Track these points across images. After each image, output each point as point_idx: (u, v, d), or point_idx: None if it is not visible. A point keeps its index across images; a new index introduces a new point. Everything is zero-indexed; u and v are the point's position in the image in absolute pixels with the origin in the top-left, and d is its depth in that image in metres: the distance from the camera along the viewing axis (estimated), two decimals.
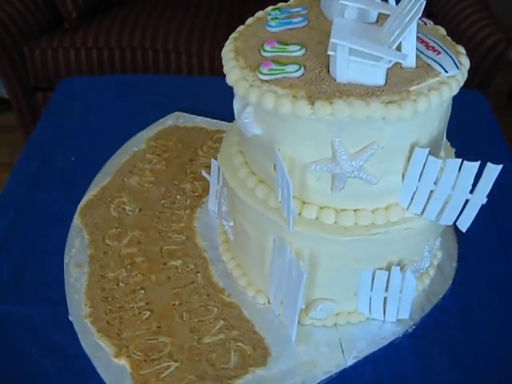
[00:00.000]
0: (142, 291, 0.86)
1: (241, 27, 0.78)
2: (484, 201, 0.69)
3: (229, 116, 1.15)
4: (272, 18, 0.74)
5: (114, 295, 0.85)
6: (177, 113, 1.20)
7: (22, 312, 0.84)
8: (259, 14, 0.80)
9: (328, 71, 0.66)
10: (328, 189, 0.71)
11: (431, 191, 0.71)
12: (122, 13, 1.86)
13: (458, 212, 0.72)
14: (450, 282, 0.88)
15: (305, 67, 0.66)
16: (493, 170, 0.66)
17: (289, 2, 0.81)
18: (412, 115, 0.63)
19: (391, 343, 0.81)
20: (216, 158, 0.97)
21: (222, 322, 0.82)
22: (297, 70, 0.66)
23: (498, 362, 0.79)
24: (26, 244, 0.94)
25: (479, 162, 0.66)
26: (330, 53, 0.62)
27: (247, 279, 0.87)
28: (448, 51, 0.69)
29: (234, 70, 0.69)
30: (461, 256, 0.91)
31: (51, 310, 0.85)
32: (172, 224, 0.96)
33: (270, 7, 0.80)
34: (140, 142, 1.12)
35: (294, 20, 0.74)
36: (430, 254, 0.81)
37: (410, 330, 0.82)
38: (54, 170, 1.08)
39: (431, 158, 0.67)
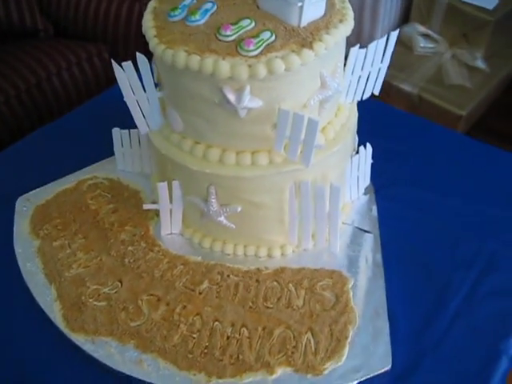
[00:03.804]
0: (218, 324, 0.84)
1: (154, 40, 0.78)
2: (388, 63, 0.93)
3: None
4: (191, 14, 0.77)
5: None
6: (21, 197, 1.04)
7: None
8: (146, 26, 0.81)
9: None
10: (317, 115, 0.84)
11: (359, 77, 0.91)
12: None
13: (376, 82, 0.94)
14: None
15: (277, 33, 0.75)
16: (393, 36, 0.90)
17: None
18: None
19: None
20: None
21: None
22: (271, 36, 0.74)
23: None
24: None
25: (386, 35, 0.89)
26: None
27: (266, 249, 0.94)
28: None
29: (222, 64, 0.72)
30: None
31: None
32: (158, 267, 0.91)
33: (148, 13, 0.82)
34: (25, 243, 0.96)
35: (208, 6, 0.79)
36: None
37: None
38: None
39: (360, 50, 0.87)
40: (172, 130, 0.88)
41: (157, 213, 0.99)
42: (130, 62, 0.84)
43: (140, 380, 0.79)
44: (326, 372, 0.78)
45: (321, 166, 0.86)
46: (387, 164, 1.09)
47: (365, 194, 1.04)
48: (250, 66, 0.72)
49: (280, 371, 0.78)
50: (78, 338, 0.83)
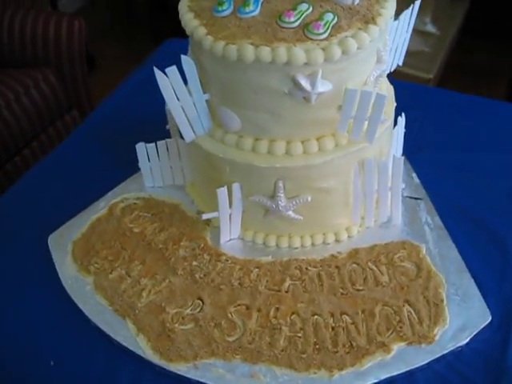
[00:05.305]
0: (318, 317, 0.82)
1: (208, 39, 0.74)
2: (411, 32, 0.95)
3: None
4: (243, 5, 0.74)
5: None
6: (53, 234, 0.95)
7: None
8: (191, 26, 0.77)
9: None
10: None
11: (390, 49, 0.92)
12: None
13: (401, 52, 0.96)
14: None
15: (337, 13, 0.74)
16: (416, 5, 0.91)
17: None
18: None
19: None
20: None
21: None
22: (334, 17, 0.73)
23: None
24: None
25: (412, 6, 0.90)
26: None
27: (333, 234, 0.93)
28: None
29: (296, 51, 0.70)
30: None
31: None
32: (232, 275, 0.88)
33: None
34: (76, 282, 0.89)
35: None
36: None
37: None
38: None
39: (394, 22, 0.87)
40: (226, 131, 0.84)
41: (207, 222, 0.95)
42: (174, 67, 0.79)
43: None
44: (437, 338, 0.79)
45: (379, 141, 0.86)
46: (405, 132, 1.11)
47: None
48: (323, 49, 0.71)
49: (395, 348, 0.78)
50: (179, 368, 0.78)
